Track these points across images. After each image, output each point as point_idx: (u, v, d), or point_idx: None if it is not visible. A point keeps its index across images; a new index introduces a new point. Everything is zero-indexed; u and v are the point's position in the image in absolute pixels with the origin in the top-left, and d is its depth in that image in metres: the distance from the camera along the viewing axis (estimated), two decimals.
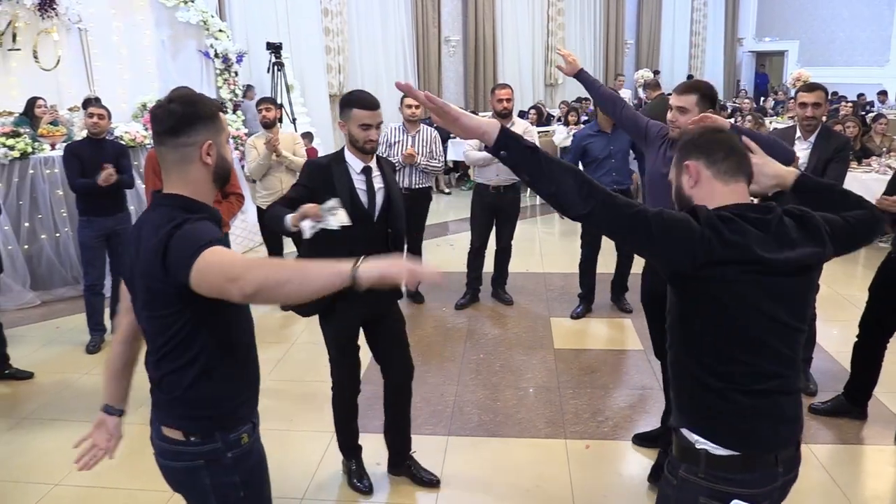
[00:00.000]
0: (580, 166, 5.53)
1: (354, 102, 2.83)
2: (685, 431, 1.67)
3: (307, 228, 2.61)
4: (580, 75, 3.56)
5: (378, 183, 2.95)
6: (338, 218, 2.61)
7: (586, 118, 10.92)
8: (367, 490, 3.19)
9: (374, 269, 1.54)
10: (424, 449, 3.53)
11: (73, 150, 4.72)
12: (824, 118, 3.90)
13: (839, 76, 16.48)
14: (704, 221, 1.57)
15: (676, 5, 18.71)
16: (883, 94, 15.20)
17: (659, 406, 3.90)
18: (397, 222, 3.00)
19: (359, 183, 2.90)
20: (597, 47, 17.23)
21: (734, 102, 15.47)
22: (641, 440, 3.59)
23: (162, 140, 1.72)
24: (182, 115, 1.69)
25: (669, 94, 3.05)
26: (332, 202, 2.62)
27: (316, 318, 3.09)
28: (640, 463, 3.44)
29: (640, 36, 18.11)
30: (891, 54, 17.43)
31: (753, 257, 1.57)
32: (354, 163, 2.91)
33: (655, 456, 3.35)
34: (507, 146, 1.60)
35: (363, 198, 2.90)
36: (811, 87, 3.83)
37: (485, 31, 14.60)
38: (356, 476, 3.24)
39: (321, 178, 2.86)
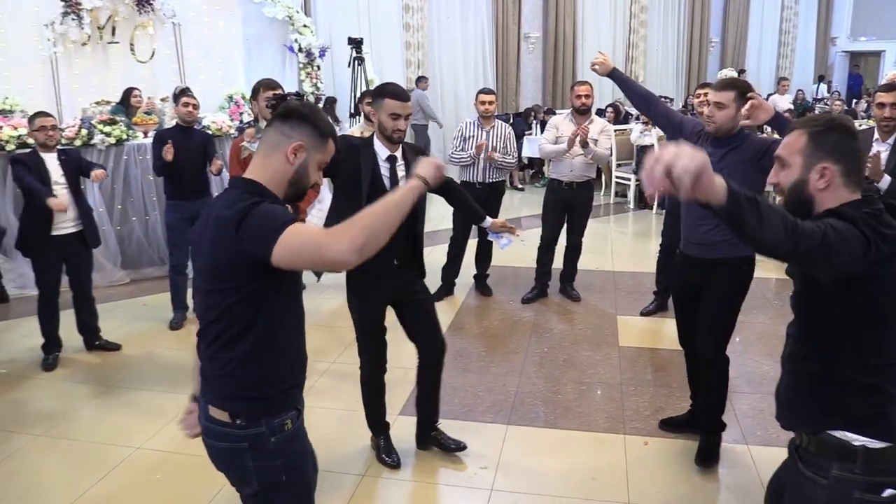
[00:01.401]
0: None
1: (387, 93, 3.01)
2: (836, 433, 1.72)
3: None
4: (613, 74, 3.62)
5: (401, 171, 3.10)
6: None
7: None
8: (396, 464, 3.33)
9: (429, 170, 1.83)
10: (483, 436, 3.61)
11: (161, 136, 4.98)
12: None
13: None
14: (862, 223, 1.60)
15: (766, 4, 18.08)
16: None
17: None
18: (416, 208, 3.12)
19: (383, 170, 3.06)
20: (680, 46, 16.84)
21: (826, 105, 14.88)
22: (667, 425, 3.67)
23: (273, 121, 1.86)
24: (299, 111, 1.84)
25: (745, 119, 3.04)
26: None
27: None
28: (694, 461, 3.41)
29: (726, 35, 17.58)
30: None
31: None
32: (381, 150, 3.06)
33: (687, 445, 3.47)
34: (737, 202, 1.45)
35: (386, 184, 3.05)
36: (889, 87, 3.71)
37: (565, 28, 14.50)
38: (385, 451, 3.37)
39: (349, 153, 3.00)
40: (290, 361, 1.91)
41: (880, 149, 3.67)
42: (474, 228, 5.67)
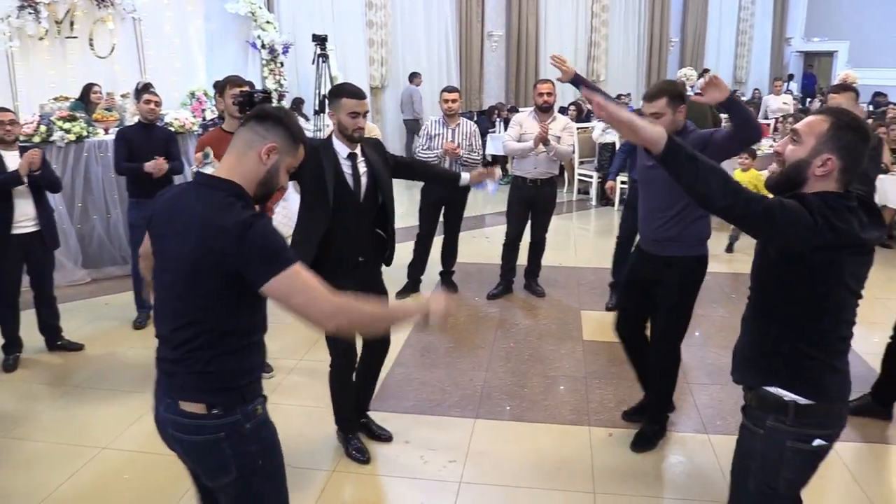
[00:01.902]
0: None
1: (345, 93, 3.07)
2: (773, 389, 1.95)
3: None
4: (575, 79, 3.78)
5: (363, 168, 3.16)
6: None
7: None
8: (367, 460, 3.36)
9: (439, 310, 1.85)
10: (451, 430, 3.67)
11: (124, 133, 4.94)
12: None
13: (890, 78, 16.11)
14: (817, 211, 1.77)
15: (723, 3, 18.44)
16: None
17: (684, 399, 3.98)
18: (386, 195, 3.24)
19: (345, 167, 3.11)
20: (640, 44, 17.09)
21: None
22: (630, 415, 3.76)
23: (248, 121, 1.90)
24: (275, 114, 1.88)
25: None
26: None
27: None
28: (659, 450, 3.51)
29: (686, 34, 17.90)
30: None
31: (855, 241, 1.81)
32: (341, 149, 3.12)
33: (666, 439, 3.56)
34: (674, 156, 1.77)
35: (349, 181, 3.11)
36: (840, 88, 3.87)
37: (528, 26, 14.62)
38: (354, 448, 3.40)
39: (310, 154, 3.03)
40: (260, 350, 1.98)
41: None
42: (440, 226, 5.75)
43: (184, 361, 1.83)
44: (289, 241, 3.21)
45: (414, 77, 12.32)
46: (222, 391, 1.84)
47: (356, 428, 3.48)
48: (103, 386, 4.18)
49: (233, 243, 1.69)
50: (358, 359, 3.41)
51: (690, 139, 3.15)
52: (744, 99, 15.67)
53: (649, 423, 3.56)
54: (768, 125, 10.93)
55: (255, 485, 1.91)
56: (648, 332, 3.58)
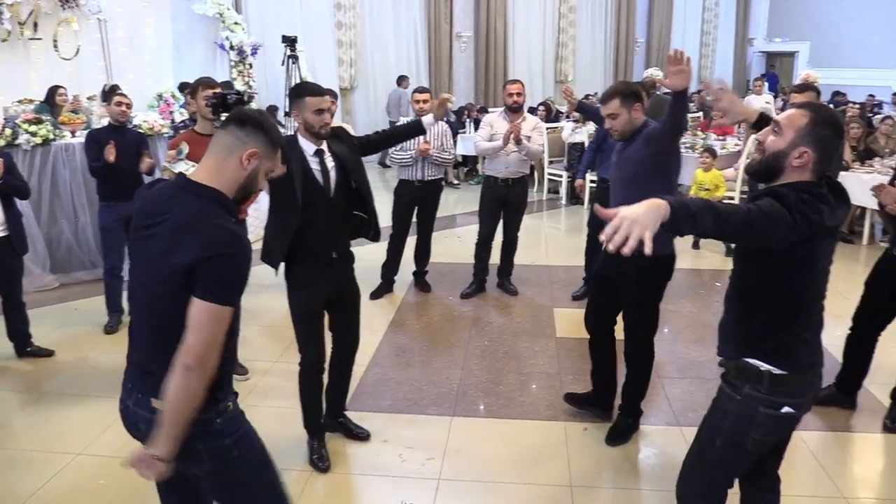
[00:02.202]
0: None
1: (306, 91, 3.10)
2: (751, 360, 2.11)
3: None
4: (579, 106, 4.10)
5: (330, 163, 3.17)
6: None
7: None
8: (326, 469, 3.32)
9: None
10: (429, 428, 3.70)
11: (94, 135, 4.87)
12: None
13: (849, 78, 16.53)
14: (795, 207, 1.88)
15: (688, 5, 18.77)
16: None
17: (656, 393, 4.05)
18: (359, 180, 3.25)
19: (313, 164, 3.12)
20: (607, 45, 17.32)
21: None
22: (572, 399, 3.87)
23: (227, 124, 1.93)
24: (255, 119, 1.92)
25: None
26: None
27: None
28: (633, 443, 3.59)
29: (651, 35, 18.17)
30: None
31: (826, 230, 1.98)
32: (308, 146, 3.13)
33: (638, 431, 3.66)
34: (676, 223, 1.78)
35: (318, 178, 3.13)
36: (802, 88, 3.98)
37: (496, 27, 14.71)
38: (317, 454, 3.37)
39: None
40: (232, 355, 2.03)
41: None
42: (413, 227, 5.77)
43: (157, 360, 1.86)
44: (261, 241, 3.24)
45: (402, 80, 12.44)
46: None
47: (322, 432, 3.45)
48: (75, 391, 4.13)
49: (205, 257, 1.76)
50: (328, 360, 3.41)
51: (646, 132, 3.29)
52: (709, 99, 15.95)
53: (623, 417, 3.63)
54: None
55: (235, 474, 1.99)
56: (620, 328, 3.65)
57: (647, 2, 17.96)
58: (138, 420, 1.94)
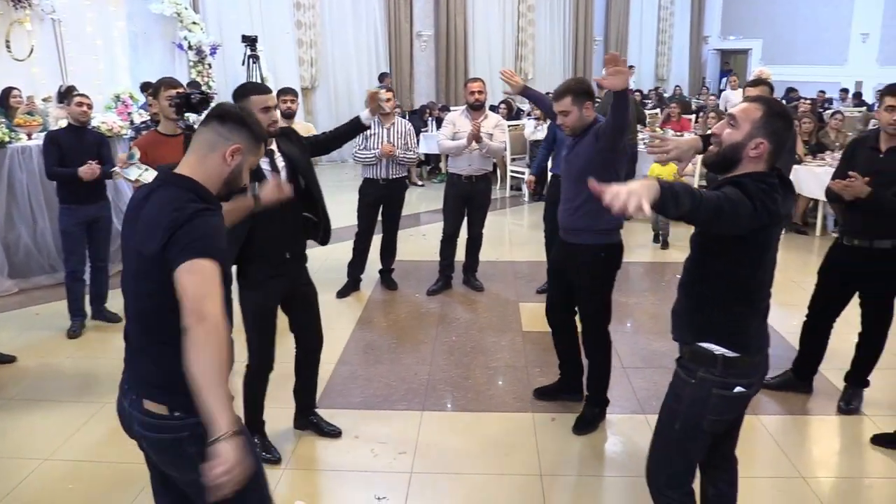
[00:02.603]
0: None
1: (249, 91, 3.05)
2: (705, 344, 2.21)
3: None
4: (525, 92, 4.06)
5: (280, 162, 3.15)
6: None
7: None
8: (277, 460, 3.37)
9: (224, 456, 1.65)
10: (399, 424, 3.74)
11: (53, 137, 4.79)
12: None
13: (801, 74, 16.95)
14: (756, 196, 1.98)
15: (644, 3, 19.06)
16: (844, 91, 15.72)
17: (621, 383, 4.15)
18: (308, 179, 3.22)
19: (263, 164, 3.07)
20: (566, 43, 17.49)
21: (698, 99, 15.88)
22: (542, 394, 3.99)
23: (208, 121, 1.91)
24: (238, 115, 1.91)
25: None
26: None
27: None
28: (600, 431, 3.68)
29: (609, 33, 18.40)
30: (849, 54, 18.00)
31: (779, 218, 2.10)
32: None
33: (604, 420, 3.76)
34: (664, 203, 1.85)
35: (269, 178, 3.06)
36: (755, 83, 4.11)
37: (456, 26, 14.77)
38: (264, 448, 3.38)
39: None
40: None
41: None
42: (378, 225, 5.79)
43: (145, 357, 1.87)
44: None
45: (384, 77, 12.66)
46: (183, 393, 1.81)
47: (263, 427, 3.41)
48: (39, 397, 4.07)
49: (165, 233, 1.72)
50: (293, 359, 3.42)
51: (595, 129, 3.37)
52: (665, 95, 16.26)
53: (590, 407, 3.72)
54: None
55: None
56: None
57: (604, 1, 18.20)
58: (133, 421, 1.93)
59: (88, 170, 4.60)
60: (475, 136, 5.34)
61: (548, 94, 4.15)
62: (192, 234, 1.73)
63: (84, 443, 3.54)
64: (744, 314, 2.20)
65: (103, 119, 6.43)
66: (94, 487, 3.18)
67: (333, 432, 3.61)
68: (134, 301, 1.90)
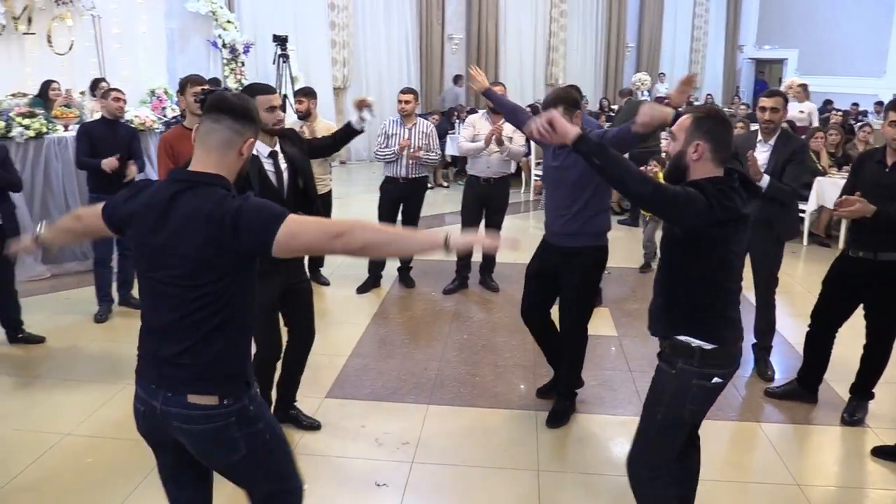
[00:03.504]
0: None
1: (254, 91, 3.12)
2: (683, 337, 2.37)
3: None
4: (488, 93, 4.23)
5: (283, 164, 3.24)
6: None
7: None
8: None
9: (463, 240, 1.96)
10: (405, 415, 3.85)
11: (87, 129, 5.01)
12: (785, 123, 4.18)
13: (837, 85, 16.73)
14: (711, 194, 2.19)
15: (678, 10, 18.96)
16: (879, 104, 15.48)
17: (626, 386, 4.23)
18: (307, 179, 3.31)
19: (268, 166, 3.18)
20: (598, 49, 17.50)
21: (730, 108, 15.77)
22: (543, 393, 4.08)
23: (220, 118, 1.92)
24: (248, 111, 1.98)
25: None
26: None
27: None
28: (600, 432, 3.75)
29: (642, 40, 18.36)
30: (888, 65, 17.70)
31: (739, 216, 2.26)
32: (262, 148, 3.16)
33: (607, 422, 3.82)
34: (586, 145, 2.24)
35: (273, 179, 3.19)
36: (771, 93, 4.14)
37: (487, 30, 14.87)
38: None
39: None
40: (252, 334, 2.10)
41: (762, 150, 4.08)
42: (398, 223, 5.92)
43: (186, 355, 1.89)
44: None
45: (458, 79, 13.15)
46: (232, 380, 1.95)
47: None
48: (65, 376, 4.26)
49: (228, 225, 1.80)
50: (283, 352, 3.49)
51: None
52: (697, 103, 16.17)
53: (561, 401, 3.85)
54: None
55: (269, 454, 2.06)
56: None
57: (637, 7, 18.16)
58: (168, 420, 1.94)
59: (109, 163, 4.80)
60: (496, 139, 5.44)
61: (533, 104, 4.32)
62: (259, 213, 1.82)
63: (104, 421, 3.71)
64: (714, 308, 2.36)
65: (137, 113, 6.65)
66: (111, 462, 3.35)
67: (312, 425, 3.67)
68: (183, 296, 1.87)
